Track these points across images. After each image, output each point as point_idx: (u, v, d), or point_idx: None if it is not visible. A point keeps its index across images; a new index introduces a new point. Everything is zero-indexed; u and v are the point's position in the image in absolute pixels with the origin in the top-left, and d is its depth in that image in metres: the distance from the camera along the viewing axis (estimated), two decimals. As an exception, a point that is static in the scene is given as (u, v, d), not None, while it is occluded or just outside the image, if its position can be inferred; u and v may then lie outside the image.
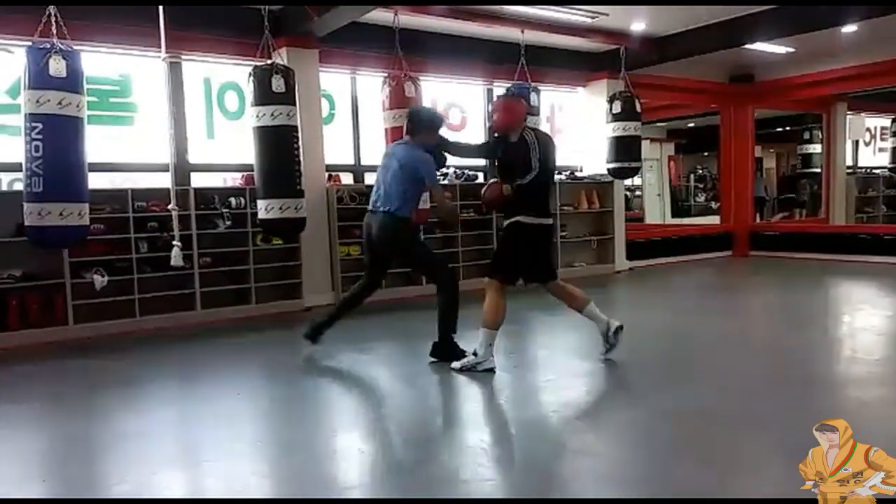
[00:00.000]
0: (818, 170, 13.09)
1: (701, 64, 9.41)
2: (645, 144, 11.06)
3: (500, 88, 8.52)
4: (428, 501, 2.66)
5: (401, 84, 6.70)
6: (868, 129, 14.32)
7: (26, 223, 5.09)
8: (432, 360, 4.60)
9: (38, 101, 4.91)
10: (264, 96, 5.94)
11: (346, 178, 7.74)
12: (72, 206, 5.08)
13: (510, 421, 3.82)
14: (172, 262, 5.57)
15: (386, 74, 6.92)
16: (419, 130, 4.62)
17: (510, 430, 3.67)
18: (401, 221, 4.57)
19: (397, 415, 3.94)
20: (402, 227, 4.60)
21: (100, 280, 5.80)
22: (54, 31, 4.97)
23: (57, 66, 4.91)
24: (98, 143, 5.76)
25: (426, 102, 7.26)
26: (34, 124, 4.94)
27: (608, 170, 8.88)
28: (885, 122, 13.93)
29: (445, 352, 4.55)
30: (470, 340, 4.51)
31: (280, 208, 6.02)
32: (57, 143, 4.98)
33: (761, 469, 2.88)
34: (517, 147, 4.30)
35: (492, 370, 4.29)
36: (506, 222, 4.39)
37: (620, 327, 4.46)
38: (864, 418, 3.48)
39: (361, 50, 7.32)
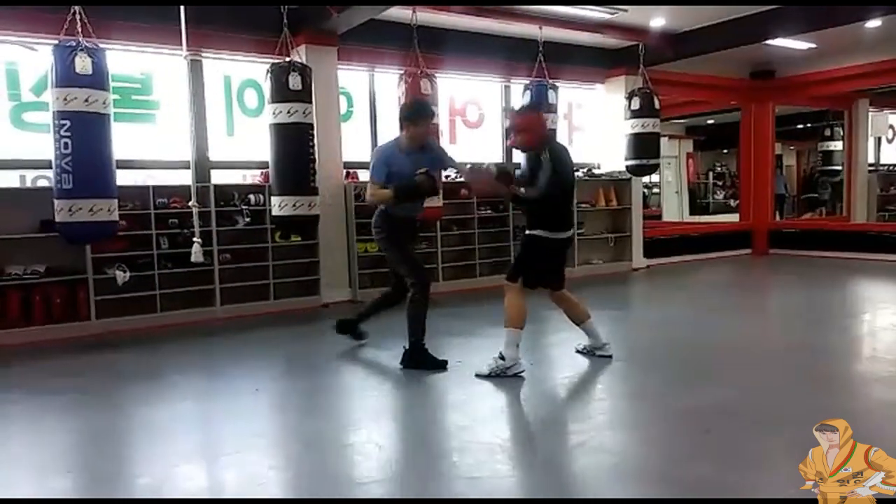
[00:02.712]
0: (839, 167, 12.92)
1: (721, 60, 9.32)
2: (663, 141, 10.98)
3: (517, 85, 8.51)
4: (432, 502, 2.68)
5: (417, 81, 6.71)
6: (891, 126, 14.10)
7: (57, 220, 5.18)
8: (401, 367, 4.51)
9: (65, 99, 4.99)
10: (281, 93, 5.98)
11: (364, 175, 7.77)
12: (101, 203, 5.17)
13: (528, 418, 3.83)
14: (192, 259, 5.63)
15: (403, 71, 6.93)
16: (400, 126, 4.56)
17: (528, 427, 3.68)
18: (379, 216, 4.59)
19: (415, 411, 3.96)
20: (379, 220, 4.59)
21: (122, 276, 5.87)
22: (79, 30, 5.05)
23: (83, 64, 4.98)
24: (120, 140, 5.82)
25: (442, 99, 7.26)
26: (62, 122, 5.02)
27: (626, 167, 8.83)
28: (909, 118, 13.74)
29: (413, 359, 4.49)
30: (484, 339, 4.51)
31: (294, 205, 6.05)
32: (85, 140, 5.07)
33: (780, 468, 2.87)
34: (532, 160, 4.31)
35: (521, 374, 4.20)
36: (525, 232, 4.40)
37: (609, 355, 4.60)
38: (885, 418, 3.46)
39: (380, 47, 7.34)
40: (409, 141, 4.48)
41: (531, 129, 4.32)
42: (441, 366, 4.45)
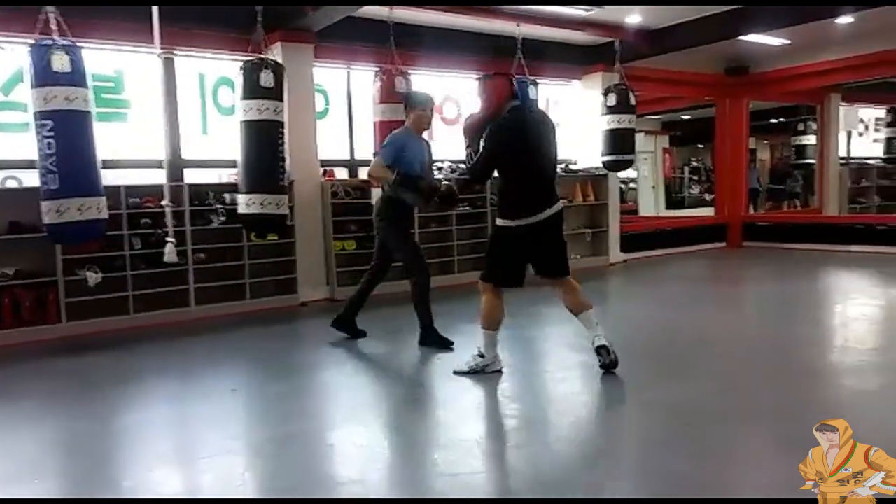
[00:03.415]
0: (812, 161, 13.12)
1: (696, 56, 9.40)
2: (639, 137, 11.07)
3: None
4: (428, 501, 2.67)
5: (391, 78, 6.68)
6: (861, 120, 14.34)
7: (45, 221, 5.08)
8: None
9: (45, 99, 4.89)
10: (252, 90, 5.89)
11: (341, 173, 7.72)
12: (90, 201, 5.07)
13: (507, 414, 3.82)
14: (166, 259, 5.56)
15: (378, 69, 6.89)
16: (406, 114, 4.95)
17: (508, 423, 3.68)
18: (384, 200, 4.89)
19: (392, 409, 3.94)
20: (383, 207, 4.89)
21: (93, 277, 5.77)
22: (54, 28, 4.94)
23: (60, 62, 4.88)
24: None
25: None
26: (44, 122, 4.92)
27: (603, 162, 8.88)
28: (879, 112, 13.97)
29: (427, 339, 4.87)
30: (461, 336, 4.49)
31: (261, 203, 5.98)
32: (69, 138, 4.97)
33: (757, 462, 2.90)
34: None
35: (500, 371, 4.18)
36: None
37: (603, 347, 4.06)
38: (858, 408, 3.51)
39: (356, 44, 7.28)
40: (414, 126, 4.88)
41: (484, 98, 4.01)
42: (448, 345, 4.79)
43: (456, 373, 4.21)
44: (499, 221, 4.05)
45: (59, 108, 4.91)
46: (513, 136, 3.96)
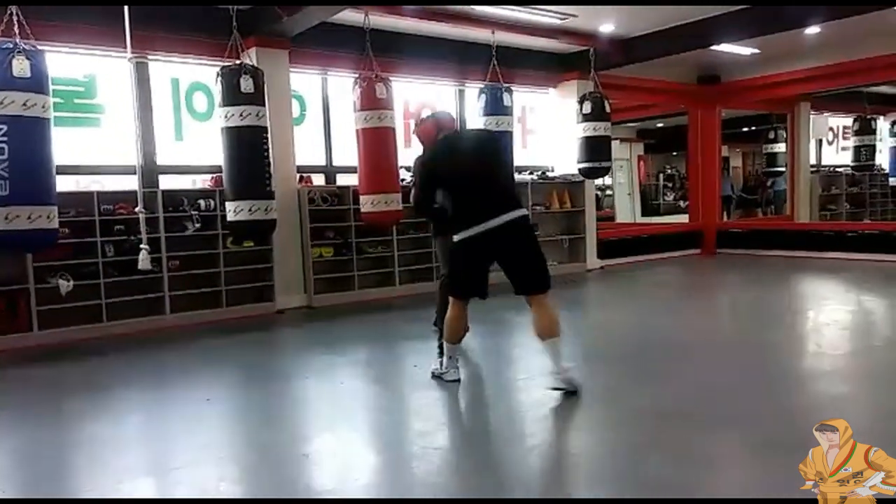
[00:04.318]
0: (783, 168, 13.35)
1: (669, 65, 9.55)
2: (615, 144, 11.17)
3: (471, 89, 8.55)
4: (421, 502, 2.66)
5: (372, 85, 6.67)
6: (831, 129, 14.64)
7: None
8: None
9: (1, 103, 4.81)
10: (233, 97, 5.87)
11: (318, 180, 7.69)
12: (40, 209, 4.99)
13: (486, 421, 3.82)
14: (139, 266, 5.47)
15: (357, 75, 6.88)
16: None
17: (486, 430, 3.67)
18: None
19: (371, 417, 3.92)
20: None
21: (65, 285, 5.68)
22: (17, 31, 4.86)
23: (21, 67, 4.81)
24: (63, 145, 5.63)
25: (397, 103, 7.22)
26: None
27: (579, 170, 8.95)
28: (847, 121, 14.24)
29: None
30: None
31: (249, 210, 5.95)
32: (22, 144, 4.89)
33: (736, 466, 2.93)
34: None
35: (457, 381, 4.12)
36: None
37: (571, 389, 3.80)
38: (831, 411, 3.55)
39: (332, 50, 7.27)
40: None
41: (421, 140, 4.41)
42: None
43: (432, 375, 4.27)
44: (453, 237, 3.98)
45: (15, 113, 4.85)
46: (437, 158, 4.09)
